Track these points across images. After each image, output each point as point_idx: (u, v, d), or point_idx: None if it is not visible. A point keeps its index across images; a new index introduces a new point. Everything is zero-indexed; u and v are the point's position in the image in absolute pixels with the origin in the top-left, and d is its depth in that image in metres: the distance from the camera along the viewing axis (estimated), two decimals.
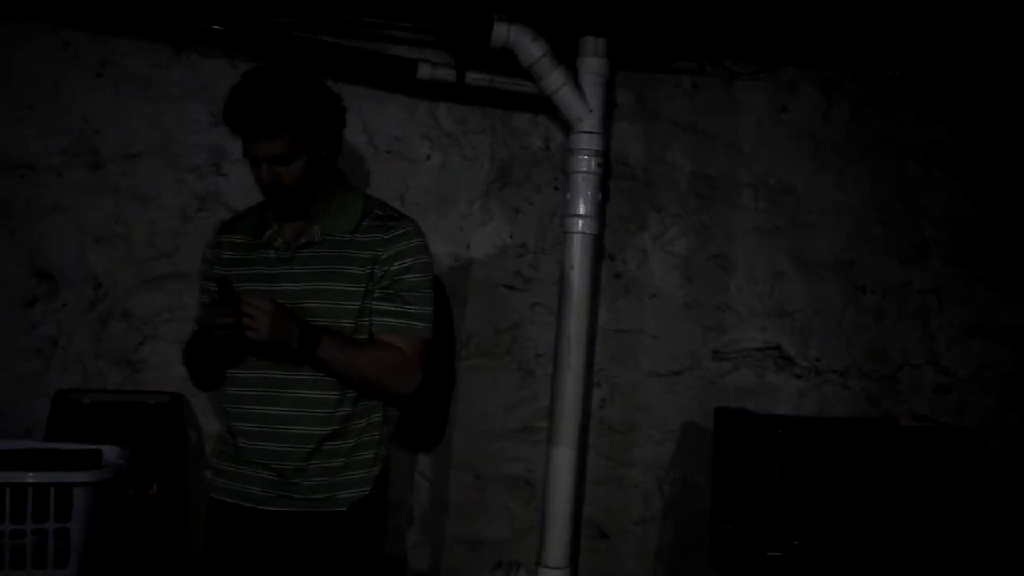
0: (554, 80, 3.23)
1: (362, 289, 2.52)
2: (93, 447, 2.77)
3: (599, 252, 3.62)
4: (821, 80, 3.90)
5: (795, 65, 3.87)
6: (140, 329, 3.52)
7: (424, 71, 3.34)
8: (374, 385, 2.53)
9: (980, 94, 3.99)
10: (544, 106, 3.56)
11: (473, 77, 3.37)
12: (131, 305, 3.51)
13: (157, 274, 3.52)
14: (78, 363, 3.48)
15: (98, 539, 2.73)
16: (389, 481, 2.71)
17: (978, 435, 3.64)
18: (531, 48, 3.20)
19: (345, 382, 2.50)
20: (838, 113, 3.92)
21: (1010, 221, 4.04)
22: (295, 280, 2.53)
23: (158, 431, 3.35)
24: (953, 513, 3.49)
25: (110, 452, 2.84)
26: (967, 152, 4.00)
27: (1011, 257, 4.03)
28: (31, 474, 2.63)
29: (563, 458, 3.33)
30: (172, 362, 3.50)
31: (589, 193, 3.29)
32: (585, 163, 3.27)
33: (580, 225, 3.29)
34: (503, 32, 3.17)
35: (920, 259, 4.00)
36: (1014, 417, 4.03)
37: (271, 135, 2.42)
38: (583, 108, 3.26)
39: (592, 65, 3.27)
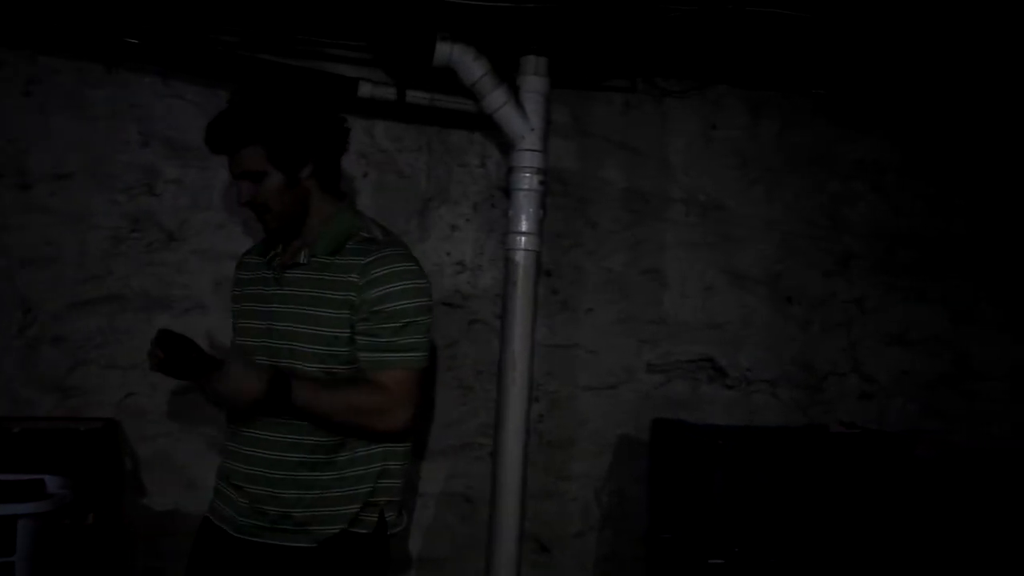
0: (496, 98, 3.25)
1: (340, 316, 2.41)
2: (36, 477, 2.69)
3: (539, 269, 3.66)
4: (749, 98, 4.00)
5: (724, 83, 3.96)
6: (72, 354, 3.43)
7: (365, 89, 3.33)
8: (356, 431, 2.42)
9: (901, 112, 4.13)
10: (481, 124, 3.58)
11: (414, 95, 3.37)
12: (62, 329, 3.43)
13: (89, 297, 3.44)
14: (7, 390, 3.39)
15: (41, 573, 2.65)
16: (388, 522, 2.52)
17: (906, 441, 3.76)
18: (473, 67, 3.21)
19: (327, 428, 2.42)
20: (765, 130, 4.03)
21: (928, 234, 4.19)
22: (281, 302, 2.47)
23: (92, 459, 3.23)
24: (883, 516, 3.61)
25: (51, 482, 2.76)
26: (887, 168, 4.14)
27: (929, 268, 4.18)
28: None
29: (510, 475, 3.35)
30: (105, 387, 3.47)
31: (531, 210, 3.31)
32: (527, 181, 3.30)
33: (523, 242, 3.31)
34: (446, 51, 3.18)
35: (843, 271, 4.11)
36: (933, 422, 4.18)
37: (235, 150, 2.40)
38: (525, 126, 3.28)
39: (533, 84, 3.30)
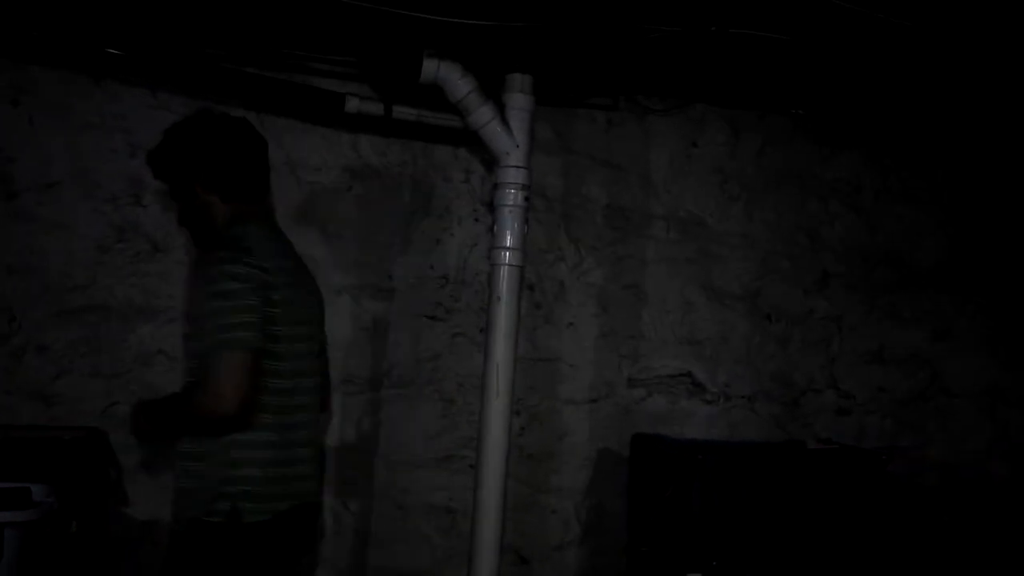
0: (482, 115, 3.28)
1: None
2: (22, 485, 2.70)
3: (523, 283, 3.69)
4: (729, 117, 4.06)
5: (705, 102, 4.02)
6: (56, 363, 3.45)
7: (352, 104, 3.37)
8: (202, 432, 2.49)
9: (878, 133, 4.21)
10: (465, 139, 3.62)
11: (400, 111, 3.41)
12: (46, 338, 3.44)
13: (73, 306, 3.46)
14: None
15: None
16: (241, 511, 2.47)
17: (879, 457, 3.82)
18: (460, 84, 3.25)
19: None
20: (745, 149, 4.09)
21: (905, 253, 4.26)
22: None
23: (76, 467, 3.23)
24: (857, 531, 3.66)
25: (37, 490, 2.78)
26: (864, 187, 4.21)
27: (906, 287, 4.25)
28: None
29: (491, 487, 3.36)
30: (89, 396, 3.47)
31: (516, 226, 3.34)
32: (512, 197, 3.33)
33: (507, 257, 3.34)
34: (432, 68, 3.21)
35: (822, 289, 4.18)
36: (908, 438, 4.24)
37: (158, 174, 2.70)
38: (510, 143, 3.32)
39: (519, 101, 3.34)
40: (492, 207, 3.52)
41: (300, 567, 2.77)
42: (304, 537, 2.67)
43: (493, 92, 3.39)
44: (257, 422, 2.47)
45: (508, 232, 3.35)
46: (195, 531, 2.48)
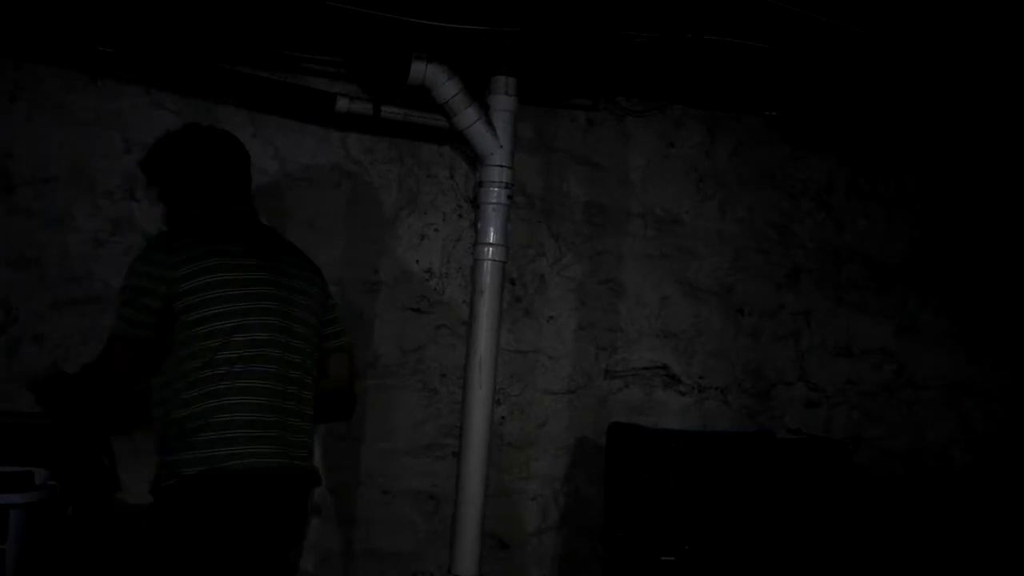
0: (467, 116, 3.42)
1: None
2: (25, 469, 2.81)
3: (505, 278, 3.82)
4: (705, 118, 4.20)
5: (682, 104, 4.16)
6: (52, 352, 3.53)
7: (342, 104, 3.49)
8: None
9: (848, 134, 4.36)
10: (450, 138, 3.74)
11: (389, 111, 3.53)
12: (43, 328, 3.53)
13: (69, 298, 3.55)
14: None
15: (30, 562, 2.77)
16: (166, 489, 2.64)
17: (846, 447, 3.97)
18: (446, 86, 3.37)
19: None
20: (720, 149, 4.23)
21: (873, 250, 4.42)
22: None
23: (71, 453, 3.35)
24: (824, 518, 3.81)
25: (39, 474, 2.88)
26: (834, 186, 4.37)
27: (874, 283, 4.41)
28: None
29: (473, 474, 3.51)
30: None
31: (499, 223, 3.48)
32: (496, 195, 3.47)
33: (490, 253, 3.48)
34: (420, 70, 3.34)
35: (792, 284, 4.33)
36: (875, 429, 4.40)
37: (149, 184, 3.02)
38: (494, 143, 3.45)
39: (503, 103, 3.47)
40: (476, 204, 3.65)
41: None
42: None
43: (477, 92, 3.51)
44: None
45: (491, 228, 3.49)
46: (154, 502, 2.70)
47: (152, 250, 2.72)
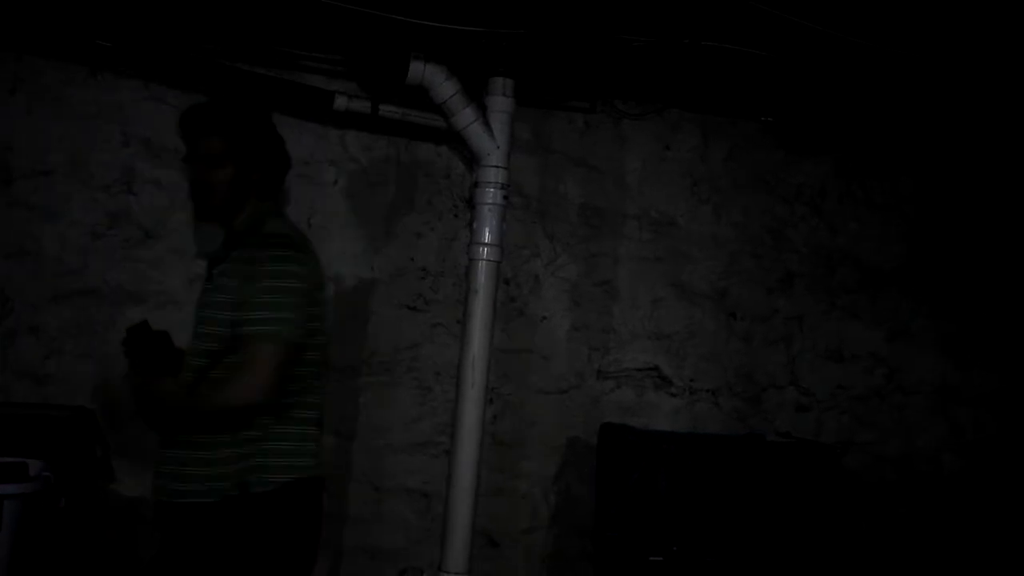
0: (465, 117, 3.44)
1: (228, 316, 2.57)
2: (19, 460, 2.83)
3: (499, 278, 3.84)
4: (701, 122, 4.23)
5: (678, 108, 4.18)
6: (48, 344, 3.57)
7: (340, 103, 3.51)
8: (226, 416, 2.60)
9: (842, 140, 4.39)
10: (447, 138, 3.76)
11: (386, 110, 3.56)
12: (39, 320, 3.56)
13: (66, 290, 3.58)
14: None
15: (23, 552, 2.79)
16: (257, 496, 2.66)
17: (835, 451, 4.00)
18: (444, 86, 3.40)
19: None
20: (715, 153, 4.26)
21: (865, 255, 4.44)
22: (210, 294, 2.66)
23: (65, 444, 3.36)
24: (812, 521, 3.84)
25: (33, 465, 2.90)
26: (828, 192, 4.39)
27: (866, 288, 4.43)
28: None
29: (465, 472, 3.53)
30: (79, 376, 3.58)
31: (494, 223, 3.51)
32: (492, 195, 3.49)
33: (485, 253, 3.50)
34: (419, 70, 3.36)
35: (785, 289, 4.35)
36: (865, 434, 4.43)
37: (205, 134, 2.65)
38: (491, 144, 3.47)
39: (500, 104, 3.49)
40: (472, 204, 3.67)
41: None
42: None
43: (475, 93, 3.54)
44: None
45: (487, 228, 3.52)
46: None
47: (301, 252, 2.64)
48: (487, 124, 3.47)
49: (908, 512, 4.40)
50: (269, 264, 2.55)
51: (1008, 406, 4.61)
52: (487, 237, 3.49)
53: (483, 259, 3.50)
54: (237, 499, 2.58)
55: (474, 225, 3.53)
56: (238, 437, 2.56)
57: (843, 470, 3.98)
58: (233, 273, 2.59)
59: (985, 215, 4.58)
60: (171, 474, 2.60)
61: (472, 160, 3.65)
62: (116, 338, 3.52)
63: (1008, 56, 3.45)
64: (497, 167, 3.49)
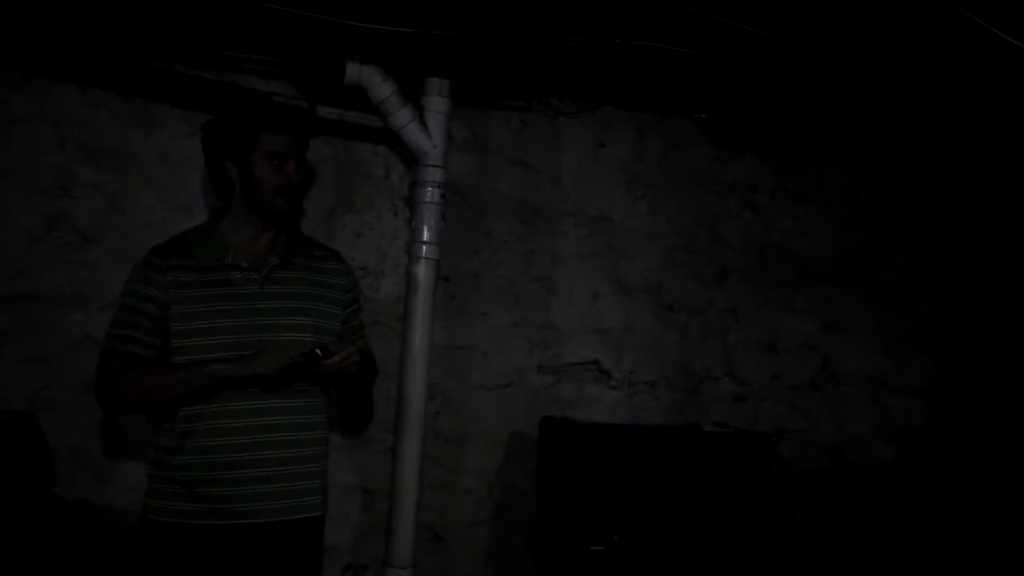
0: (402, 117, 3.48)
1: (340, 312, 3.03)
2: None
3: (439, 276, 3.89)
4: (635, 120, 4.30)
5: (613, 105, 4.25)
6: None
7: None
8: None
9: (773, 136, 4.50)
10: (386, 138, 3.80)
11: (324, 111, 3.58)
12: None
13: (4, 294, 3.54)
14: None
15: None
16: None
17: (769, 439, 4.09)
18: (381, 87, 3.44)
19: None
20: (650, 150, 4.33)
21: (798, 249, 4.55)
22: (274, 300, 2.85)
23: (5, 450, 3.36)
24: (747, 508, 3.94)
25: None
26: (760, 187, 4.49)
27: (799, 281, 4.54)
28: None
29: (408, 468, 3.58)
30: (18, 382, 3.55)
31: (433, 222, 3.56)
32: (430, 194, 3.54)
33: (424, 251, 3.55)
34: (355, 72, 3.40)
35: (720, 282, 4.45)
36: (800, 422, 4.54)
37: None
38: (428, 143, 3.52)
39: (437, 104, 3.54)
40: (411, 203, 3.71)
41: None
42: None
43: (412, 94, 3.58)
44: None
45: (425, 227, 3.57)
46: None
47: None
48: (424, 124, 3.52)
49: (840, 497, 4.52)
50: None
51: (938, 395, 4.75)
52: (426, 235, 3.54)
53: (423, 257, 3.55)
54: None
55: (413, 224, 3.58)
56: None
57: (778, 458, 4.07)
58: (315, 282, 2.98)
59: (914, 207, 4.72)
60: (286, 491, 2.89)
61: (410, 160, 3.69)
62: (56, 343, 3.59)
63: (934, 55, 3.55)
64: (435, 166, 3.54)
